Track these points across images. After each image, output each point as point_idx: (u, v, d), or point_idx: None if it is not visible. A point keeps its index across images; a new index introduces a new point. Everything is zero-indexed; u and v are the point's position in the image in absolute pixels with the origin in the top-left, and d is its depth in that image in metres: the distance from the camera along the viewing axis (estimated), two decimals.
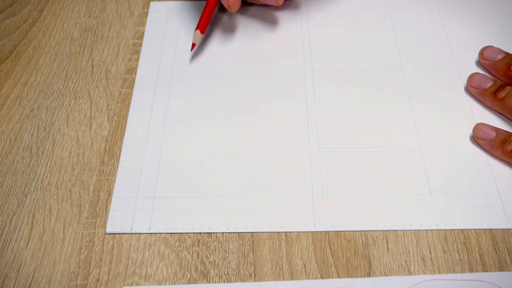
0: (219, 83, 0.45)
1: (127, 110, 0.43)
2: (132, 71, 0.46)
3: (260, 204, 0.37)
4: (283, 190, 0.38)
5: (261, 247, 0.35)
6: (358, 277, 0.34)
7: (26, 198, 0.38)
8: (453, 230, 0.36)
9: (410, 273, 0.34)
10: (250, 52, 0.47)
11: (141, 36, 0.49)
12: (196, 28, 0.45)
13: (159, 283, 0.34)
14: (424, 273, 0.34)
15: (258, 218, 0.36)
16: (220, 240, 0.36)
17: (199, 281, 0.34)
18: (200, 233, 0.36)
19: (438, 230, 0.36)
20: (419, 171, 0.38)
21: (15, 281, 0.34)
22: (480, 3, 0.50)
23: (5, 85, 0.45)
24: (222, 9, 0.50)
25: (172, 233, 0.36)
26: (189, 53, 0.47)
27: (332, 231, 0.36)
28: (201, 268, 0.34)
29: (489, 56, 0.44)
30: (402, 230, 0.36)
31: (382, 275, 0.34)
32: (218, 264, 0.35)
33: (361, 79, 0.44)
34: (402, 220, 0.36)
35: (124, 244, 0.36)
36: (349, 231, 0.36)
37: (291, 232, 0.36)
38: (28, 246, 0.35)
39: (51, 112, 0.43)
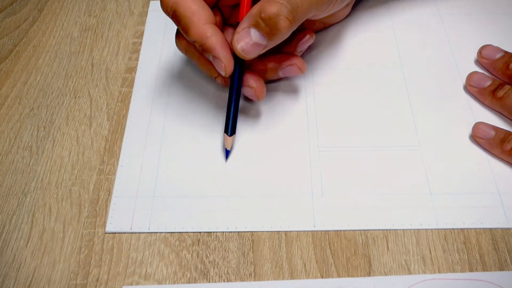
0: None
1: (127, 109, 0.43)
2: (132, 70, 0.46)
3: (260, 204, 0.37)
4: (283, 189, 0.38)
5: (261, 247, 0.35)
6: (358, 276, 0.34)
7: (26, 198, 0.38)
8: (453, 229, 0.36)
9: (410, 273, 0.34)
10: None
11: (141, 35, 0.49)
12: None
13: (159, 283, 0.34)
14: (424, 272, 0.34)
15: (258, 218, 0.36)
16: (220, 239, 0.36)
17: (199, 281, 0.34)
18: (200, 232, 0.36)
19: (438, 229, 0.36)
20: (419, 171, 0.38)
21: (15, 281, 0.34)
22: (479, 2, 0.50)
23: (5, 84, 0.45)
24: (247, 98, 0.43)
25: (172, 232, 0.36)
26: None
27: (332, 231, 0.36)
28: (201, 267, 0.34)
29: (488, 55, 0.44)
30: (402, 230, 0.36)
31: (382, 275, 0.34)
32: (218, 264, 0.35)
33: (361, 79, 0.44)
34: (402, 220, 0.36)
35: (124, 243, 0.36)
36: (349, 230, 0.36)
37: (291, 231, 0.36)
38: (28, 246, 0.35)
39: (51, 111, 0.43)
